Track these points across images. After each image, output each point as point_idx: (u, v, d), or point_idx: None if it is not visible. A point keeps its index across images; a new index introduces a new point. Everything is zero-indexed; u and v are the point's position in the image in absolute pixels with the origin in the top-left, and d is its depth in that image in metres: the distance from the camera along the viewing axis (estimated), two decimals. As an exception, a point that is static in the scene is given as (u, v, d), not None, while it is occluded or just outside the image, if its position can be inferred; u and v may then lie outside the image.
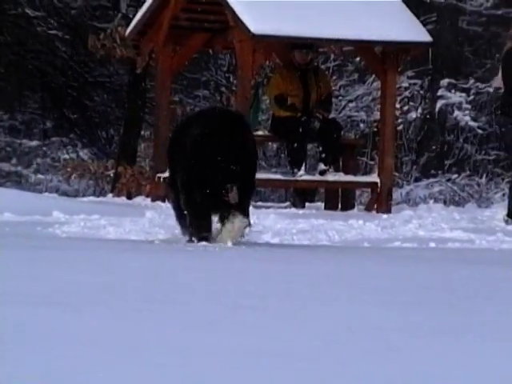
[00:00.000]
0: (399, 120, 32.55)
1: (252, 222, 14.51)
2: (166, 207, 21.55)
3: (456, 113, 37.09)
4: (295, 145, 26.26)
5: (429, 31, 28.56)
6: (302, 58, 26.51)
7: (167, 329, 7.47)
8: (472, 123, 37.19)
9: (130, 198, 28.96)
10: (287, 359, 6.17)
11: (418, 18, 29.40)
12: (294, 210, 25.31)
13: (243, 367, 5.93)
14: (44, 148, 38.08)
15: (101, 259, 13.25)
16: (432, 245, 16.06)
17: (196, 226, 13.50)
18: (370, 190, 28.59)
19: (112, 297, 10.07)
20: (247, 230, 14.26)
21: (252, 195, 16.01)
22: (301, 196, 27.86)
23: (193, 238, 13.61)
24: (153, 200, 27.08)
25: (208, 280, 10.96)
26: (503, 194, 34.19)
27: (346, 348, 6.84)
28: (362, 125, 34.49)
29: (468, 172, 36.77)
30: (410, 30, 26.99)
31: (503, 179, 36.37)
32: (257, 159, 16.10)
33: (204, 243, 14.08)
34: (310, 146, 28.45)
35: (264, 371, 5.87)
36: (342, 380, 5.60)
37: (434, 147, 37.71)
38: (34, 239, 15.46)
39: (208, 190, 13.47)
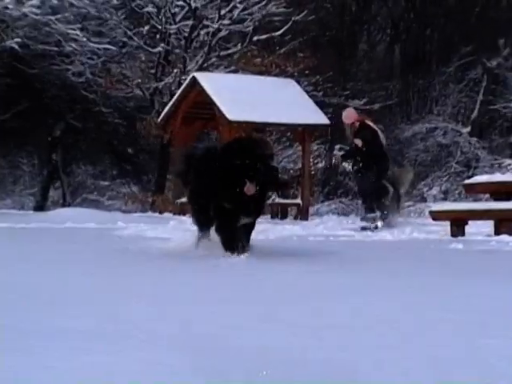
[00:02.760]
0: (312, 168, 31.96)
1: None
2: (183, 219, 21.46)
3: (343, 164, 36.42)
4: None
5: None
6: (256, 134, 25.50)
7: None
8: (350, 168, 35.69)
9: (161, 213, 28.22)
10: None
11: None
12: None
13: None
14: (112, 186, 38.15)
15: (143, 249, 11.69)
16: (331, 238, 15.63)
17: (231, 247, 10.16)
18: (296, 207, 28.07)
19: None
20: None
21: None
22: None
23: (232, 252, 10.14)
24: (174, 214, 26.14)
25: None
26: None
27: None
28: (291, 171, 33.31)
29: (350, 197, 35.59)
30: (317, 116, 27.56)
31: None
32: None
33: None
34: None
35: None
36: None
37: (331, 183, 37.19)
38: (106, 238, 14.48)
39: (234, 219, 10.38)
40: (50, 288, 7.35)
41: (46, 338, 4.86)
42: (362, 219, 20.18)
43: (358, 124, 20.28)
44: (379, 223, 19.35)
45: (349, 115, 20.63)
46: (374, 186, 19.87)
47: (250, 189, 10.06)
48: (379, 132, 20.65)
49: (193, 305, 6.19)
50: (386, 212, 19.77)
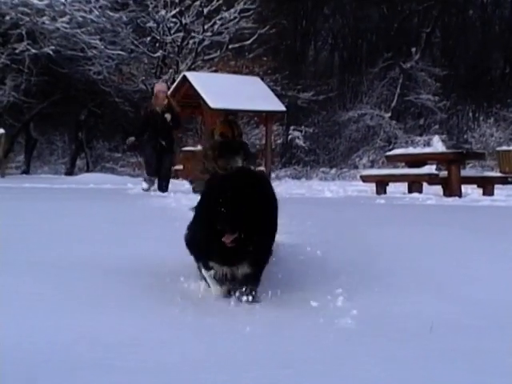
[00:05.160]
0: (273, 144, 31.53)
1: None
2: (176, 182, 19.52)
3: (296, 140, 36.97)
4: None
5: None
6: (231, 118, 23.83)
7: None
8: (302, 144, 36.90)
9: None
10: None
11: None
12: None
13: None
14: (123, 157, 37.50)
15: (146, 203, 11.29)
16: (287, 196, 14.26)
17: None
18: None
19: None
20: None
21: None
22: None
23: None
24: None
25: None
26: (316, 175, 34.24)
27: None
28: (257, 146, 32.75)
29: (302, 165, 35.84)
30: (277, 105, 27.46)
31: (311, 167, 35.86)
32: None
33: None
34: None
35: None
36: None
37: (287, 155, 37.13)
38: (119, 195, 13.36)
39: None
40: (79, 228, 7.54)
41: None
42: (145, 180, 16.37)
43: (166, 101, 16.08)
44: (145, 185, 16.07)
45: (165, 89, 16.93)
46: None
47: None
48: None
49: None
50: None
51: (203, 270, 4.93)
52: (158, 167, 15.88)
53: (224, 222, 4.52)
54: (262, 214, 4.68)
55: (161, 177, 15.96)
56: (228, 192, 4.57)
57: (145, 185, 15.97)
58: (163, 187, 15.77)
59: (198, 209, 4.90)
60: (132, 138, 16.56)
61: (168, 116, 15.65)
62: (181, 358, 3.57)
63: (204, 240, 4.74)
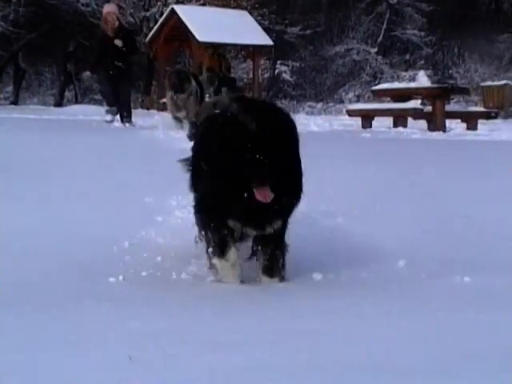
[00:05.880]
0: (260, 78, 30.86)
1: None
2: (164, 114, 18.19)
3: (283, 75, 36.71)
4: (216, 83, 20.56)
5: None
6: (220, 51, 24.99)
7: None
8: (289, 78, 36.71)
9: (148, 109, 26.29)
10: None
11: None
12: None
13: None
14: None
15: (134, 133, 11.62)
16: None
17: None
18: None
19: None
20: None
21: None
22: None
23: None
24: (158, 110, 23.68)
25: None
26: (303, 109, 33.90)
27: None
28: (245, 80, 32.37)
29: (288, 99, 35.19)
30: (264, 39, 27.19)
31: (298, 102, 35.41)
32: None
33: None
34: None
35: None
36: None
37: (274, 89, 36.48)
38: (106, 126, 13.51)
39: None
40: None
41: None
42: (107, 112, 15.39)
43: (117, 24, 14.74)
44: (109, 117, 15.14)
45: (115, 11, 15.41)
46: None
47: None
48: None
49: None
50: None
51: (216, 257, 3.84)
52: (117, 96, 14.83)
53: (260, 176, 3.53)
54: (292, 162, 3.76)
55: (119, 107, 14.95)
56: (258, 136, 3.55)
57: (108, 117, 15.06)
58: (124, 117, 14.87)
59: (212, 159, 3.72)
60: (87, 73, 16.08)
61: (118, 42, 14.38)
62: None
63: (223, 197, 3.69)
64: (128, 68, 14.94)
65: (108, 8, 15.43)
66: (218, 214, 3.77)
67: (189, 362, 2.55)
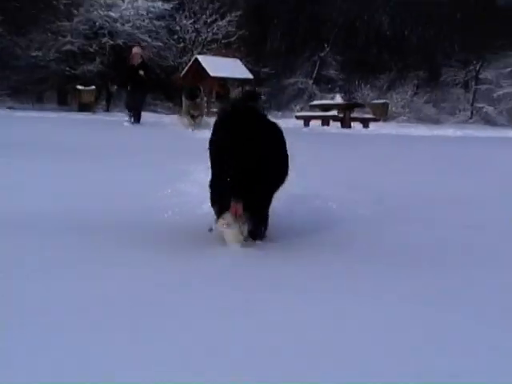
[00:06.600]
0: None
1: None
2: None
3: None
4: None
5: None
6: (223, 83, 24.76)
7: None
8: (262, 97, 35.37)
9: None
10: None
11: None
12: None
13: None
14: (164, 101, 32.07)
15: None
16: None
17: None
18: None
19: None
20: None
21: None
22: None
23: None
24: None
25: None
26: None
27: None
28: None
29: (262, 109, 34.44)
30: (247, 74, 26.61)
31: (267, 110, 34.85)
32: None
33: None
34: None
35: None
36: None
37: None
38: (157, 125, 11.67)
39: None
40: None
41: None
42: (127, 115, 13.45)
43: (140, 60, 13.34)
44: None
45: (139, 52, 14.01)
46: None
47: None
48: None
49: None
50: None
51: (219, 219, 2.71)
52: (133, 105, 13.21)
53: (234, 196, 2.59)
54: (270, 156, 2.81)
55: (131, 108, 13.19)
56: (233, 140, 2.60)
57: (127, 118, 13.36)
58: (131, 116, 13.06)
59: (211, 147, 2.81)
60: (115, 86, 15.52)
61: (142, 72, 13.10)
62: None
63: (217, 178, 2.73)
64: (145, 88, 13.60)
65: (135, 49, 14.30)
66: (217, 188, 2.71)
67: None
